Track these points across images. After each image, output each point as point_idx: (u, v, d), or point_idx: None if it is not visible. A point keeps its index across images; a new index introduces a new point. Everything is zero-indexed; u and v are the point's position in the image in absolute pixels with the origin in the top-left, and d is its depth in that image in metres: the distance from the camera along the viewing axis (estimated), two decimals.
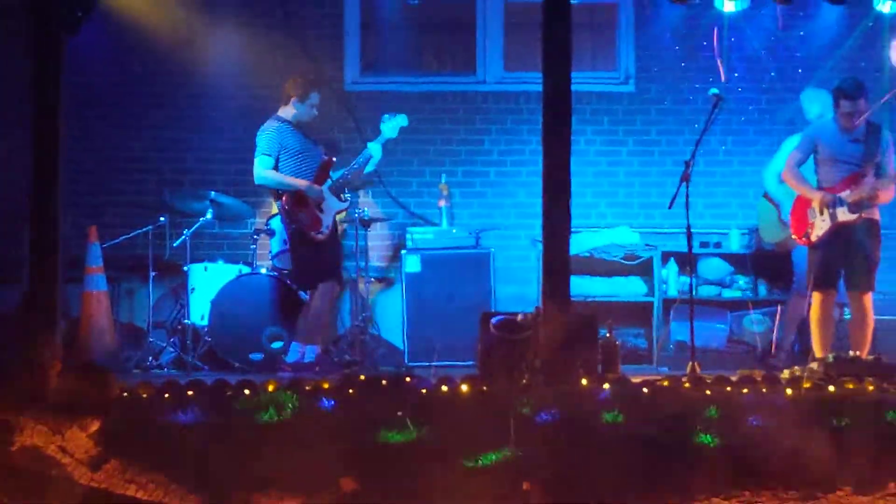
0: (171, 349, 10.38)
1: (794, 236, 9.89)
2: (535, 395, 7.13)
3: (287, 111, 9.83)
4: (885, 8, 10.61)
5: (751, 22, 11.51)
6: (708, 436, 3.84)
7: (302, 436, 5.84)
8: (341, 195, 10.00)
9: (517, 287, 10.99)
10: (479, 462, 4.38)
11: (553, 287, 8.33)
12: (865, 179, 9.44)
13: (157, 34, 11.13)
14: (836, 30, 11.72)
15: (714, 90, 9.84)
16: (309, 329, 9.76)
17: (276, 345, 10.00)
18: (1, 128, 9.81)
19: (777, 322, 11.00)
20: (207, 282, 10.43)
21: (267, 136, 9.70)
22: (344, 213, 10.21)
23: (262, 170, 9.66)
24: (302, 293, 10.00)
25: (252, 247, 10.63)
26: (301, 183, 9.70)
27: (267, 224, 10.59)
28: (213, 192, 10.55)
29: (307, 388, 8.09)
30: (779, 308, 10.90)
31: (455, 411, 7.13)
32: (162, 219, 10.48)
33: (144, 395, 7.42)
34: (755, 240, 11.27)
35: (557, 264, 8.39)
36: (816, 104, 10.58)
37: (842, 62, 11.54)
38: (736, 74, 11.49)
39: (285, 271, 10.22)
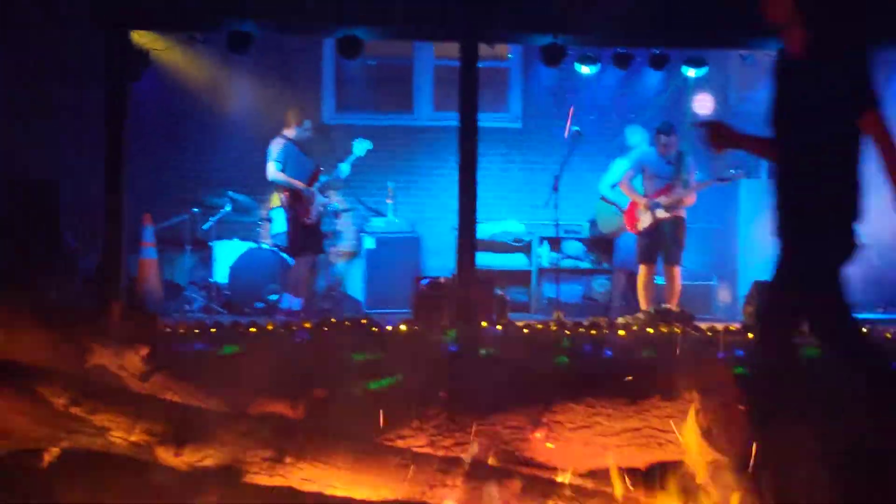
0: (200, 299, 10.33)
1: (627, 227, 10.01)
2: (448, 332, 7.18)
3: (290, 132, 9.83)
4: (690, 73, 10.74)
5: (600, 81, 11.56)
6: (564, 357, 3.88)
7: (290, 359, 5.84)
8: (324, 194, 10.02)
9: (440, 260, 10.99)
10: (397, 379, 4.36)
11: (464, 260, 8.39)
12: (675, 190, 9.57)
13: (192, 80, 11.13)
14: (657, 87, 11.80)
15: (576, 128, 9.93)
16: (295, 286, 9.78)
17: (273, 297, 10.00)
18: (83, 148, 9.81)
19: (612, 285, 11.10)
20: (226, 253, 10.41)
21: (278, 148, 9.72)
22: (325, 207, 10.18)
23: (275, 172, 9.69)
24: (291, 261, 9.98)
25: (258, 229, 10.60)
26: (299, 184, 9.70)
27: (268, 214, 10.59)
28: (230, 192, 10.54)
29: (293, 327, 8.10)
30: (618, 275, 11.00)
31: (396, 343, 7.16)
32: (195, 209, 10.46)
33: (181, 331, 7.41)
34: (596, 229, 11.37)
35: (467, 245, 8.45)
36: (636, 136, 10.77)
37: (661, 109, 11.62)
38: (592, 117, 11.52)
39: (282, 246, 10.21)
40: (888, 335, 8.22)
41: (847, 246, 4.43)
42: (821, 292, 4.33)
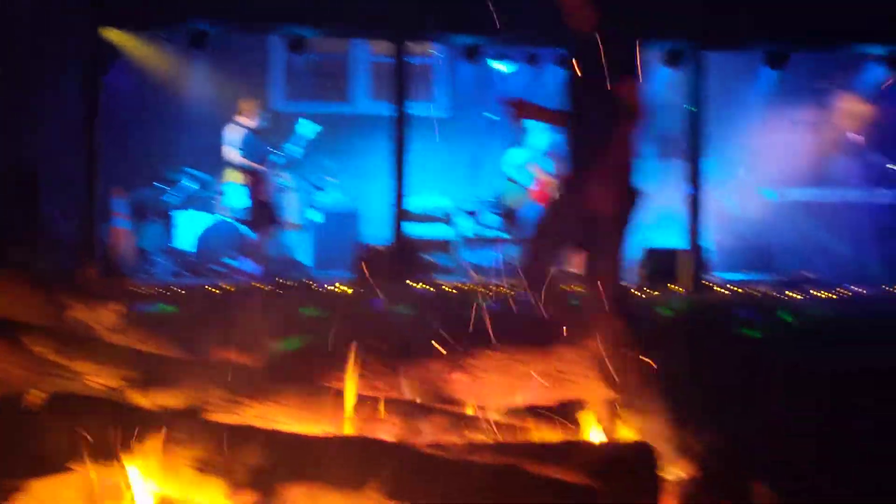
0: (165, 264, 10.20)
1: (538, 202, 10.04)
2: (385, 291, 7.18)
3: (246, 119, 9.74)
4: None
5: (516, 77, 11.58)
6: (482, 314, 3.87)
7: (250, 315, 5.79)
8: (276, 174, 9.95)
9: (377, 230, 10.95)
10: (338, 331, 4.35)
11: (398, 230, 8.40)
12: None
13: (157, 72, 10.91)
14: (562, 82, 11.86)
15: (494, 116, 9.95)
16: (253, 252, 9.75)
17: (234, 262, 9.94)
18: (61, 131, 9.60)
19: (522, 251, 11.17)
20: (187, 223, 10.29)
21: (235, 134, 9.64)
22: (277, 185, 10.10)
23: (233, 156, 9.63)
24: (251, 231, 9.92)
25: (214, 202, 10.48)
26: (256, 166, 9.64)
27: (224, 189, 10.48)
28: (190, 169, 10.42)
29: (251, 287, 8.04)
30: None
31: (339, 300, 7.15)
32: (160, 184, 10.32)
33: (149, 290, 7.30)
34: (504, 203, 11.42)
35: (400, 218, 8.46)
36: (534, 126, 10.85)
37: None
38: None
39: (240, 218, 10.13)
40: (755, 293, 8.41)
41: (626, 200, 4.39)
42: (602, 245, 4.35)
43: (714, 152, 10.31)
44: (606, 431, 3.01)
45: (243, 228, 10.05)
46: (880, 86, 10.57)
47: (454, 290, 7.48)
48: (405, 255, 8.30)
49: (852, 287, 8.87)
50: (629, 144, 4.35)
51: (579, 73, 4.52)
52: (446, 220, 11.28)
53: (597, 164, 4.27)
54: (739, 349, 5.45)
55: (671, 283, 8.68)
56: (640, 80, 4.42)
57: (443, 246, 11.22)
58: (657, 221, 10.71)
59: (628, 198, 4.41)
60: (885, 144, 10.73)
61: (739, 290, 8.39)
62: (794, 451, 3.47)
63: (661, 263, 9.00)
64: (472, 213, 11.11)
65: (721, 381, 4.20)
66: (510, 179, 11.10)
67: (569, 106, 4.63)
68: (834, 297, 8.09)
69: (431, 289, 8.12)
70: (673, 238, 9.67)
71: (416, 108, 9.90)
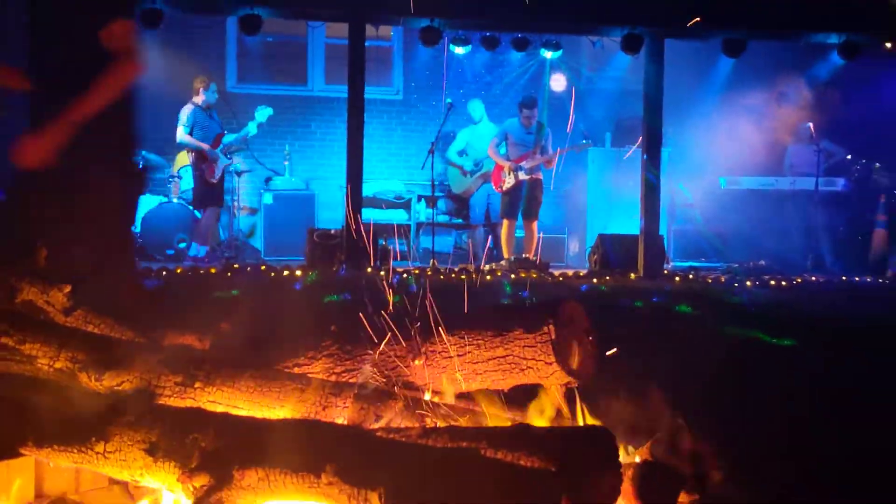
0: None
1: (493, 187, 10.07)
2: (339, 277, 7.15)
3: (198, 98, 9.64)
4: (547, 55, 10.84)
5: (472, 60, 11.59)
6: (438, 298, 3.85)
7: (197, 297, 5.75)
8: (227, 156, 9.85)
9: (331, 213, 10.94)
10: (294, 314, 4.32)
11: (353, 215, 8.36)
12: (535, 156, 9.68)
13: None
14: (519, 65, 11.90)
15: (449, 100, 9.92)
16: (201, 235, 9.66)
17: (182, 245, 9.82)
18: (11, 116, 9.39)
19: (474, 237, 11.19)
20: (139, 206, 10.07)
21: (186, 114, 9.53)
22: (228, 167, 9.99)
23: (182, 135, 9.52)
24: (198, 214, 9.81)
25: (169, 185, 10.33)
26: (204, 146, 9.55)
27: (177, 173, 10.34)
28: (143, 151, 10.23)
29: (200, 271, 7.95)
30: (479, 229, 11.08)
31: (292, 285, 7.10)
32: None
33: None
34: (450, 190, 11.45)
35: (355, 201, 8.42)
36: (477, 110, 10.91)
37: (523, 86, 11.75)
38: (463, 91, 11.55)
39: (189, 201, 10.01)
40: (709, 279, 8.50)
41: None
42: None
43: (671, 140, 10.40)
44: (564, 416, 3.03)
45: (191, 210, 9.95)
46: (834, 74, 10.73)
47: (412, 275, 7.47)
48: (361, 240, 8.27)
49: (804, 276, 9.02)
50: (108, 96, 3.70)
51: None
52: (403, 204, 11.28)
53: (60, 114, 3.49)
54: (696, 335, 5.52)
55: (625, 270, 8.76)
56: (133, 23, 3.78)
57: (400, 231, 11.22)
58: (612, 208, 10.80)
59: (119, 170, 3.77)
60: (837, 133, 10.90)
61: (691, 277, 8.49)
62: (747, 433, 3.55)
63: (614, 250, 9.08)
64: (428, 199, 11.12)
65: (679, 365, 4.26)
66: (452, 164, 11.15)
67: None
68: (784, 284, 8.22)
69: (389, 274, 8.11)
70: (628, 225, 9.76)
71: (372, 91, 9.88)
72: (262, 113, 10.01)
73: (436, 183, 10.05)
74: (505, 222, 9.88)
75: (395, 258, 9.82)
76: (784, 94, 11.10)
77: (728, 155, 10.84)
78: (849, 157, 10.77)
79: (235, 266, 8.35)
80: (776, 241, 10.24)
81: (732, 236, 10.62)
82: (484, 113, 10.96)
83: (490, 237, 10.80)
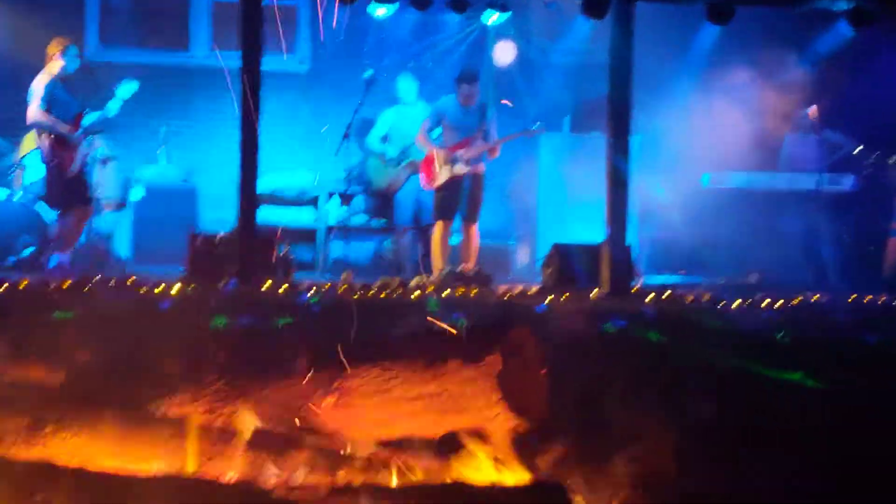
0: None
1: (423, 182, 10.09)
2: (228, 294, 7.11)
3: (54, 66, 9.46)
4: (492, 19, 10.88)
5: (398, 23, 11.60)
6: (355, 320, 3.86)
7: (47, 319, 5.67)
8: (88, 140, 9.73)
9: (221, 213, 10.83)
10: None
11: (246, 215, 8.31)
12: (476, 143, 9.72)
13: None
14: (457, 31, 11.94)
15: (369, 72, 9.93)
16: (61, 241, 9.54)
17: (28, 251, 9.69)
18: None
19: (397, 244, 11.17)
20: None
21: (42, 86, 9.34)
22: (89, 154, 9.86)
23: (38, 113, 9.32)
24: (50, 212, 9.69)
25: (10, 177, 10.18)
26: (64, 128, 9.40)
27: (21, 161, 10.18)
28: None
29: (51, 286, 7.83)
30: (406, 234, 11.08)
31: (168, 303, 7.03)
32: None
33: None
34: (370, 185, 11.42)
35: (250, 198, 8.38)
36: (407, 87, 10.94)
37: (461, 57, 11.79)
38: (386, 61, 11.55)
39: (37, 196, 9.86)
40: (688, 298, 8.59)
41: None
42: None
43: (642, 126, 10.51)
44: (508, 467, 3.04)
45: (42, 208, 9.79)
46: (840, 48, 10.89)
47: (321, 292, 7.44)
48: (257, 247, 8.21)
49: (804, 294, 9.15)
50: None
51: None
52: (310, 202, 11.22)
53: None
54: (663, 366, 5.59)
55: (585, 286, 8.80)
56: None
57: (305, 236, 11.15)
58: (569, 210, 10.89)
59: None
60: (844, 121, 11.04)
61: (666, 296, 8.56)
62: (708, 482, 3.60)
63: (572, 262, 9.11)
64: (342, 196, 11.09)
65: (638, 401, 4.31)
66: (373, 153, 11.15)
67: None
68: (779, 304, 8.32)
69: (291, 291, 8.06)
70: (589, 231, 9.82)
71: (272, 61, 9.80)
72: (126, 88, 9.86)
73: (352, 176, 10.05)
74: (438, 225, 9.90)
75: (299, 270, 9.77)
76: (787, 71, 11.21)
77: (711, 145, 10.94)
78: (859, 149, 10.91)
79: (95, 278, 8.23)
80: (770, 252, 10.38)
81: (716, 245, 10.75)
82: (416, 92, 10.96)
83: (420, 244, 10.80)
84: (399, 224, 11.04)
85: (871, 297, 9.09)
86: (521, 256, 11.49)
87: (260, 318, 6.60)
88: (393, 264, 11.09)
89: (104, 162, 10.54)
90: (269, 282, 7.81)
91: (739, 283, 9.62)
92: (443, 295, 7.90)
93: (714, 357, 5.69)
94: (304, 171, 11.52)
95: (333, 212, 11.29)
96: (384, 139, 11.13)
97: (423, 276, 9.47)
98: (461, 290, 8.28)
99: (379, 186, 11.27)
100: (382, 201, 11.44)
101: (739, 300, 8.37)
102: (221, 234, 8.92)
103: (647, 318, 6.96)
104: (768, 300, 8.48)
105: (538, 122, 10.08)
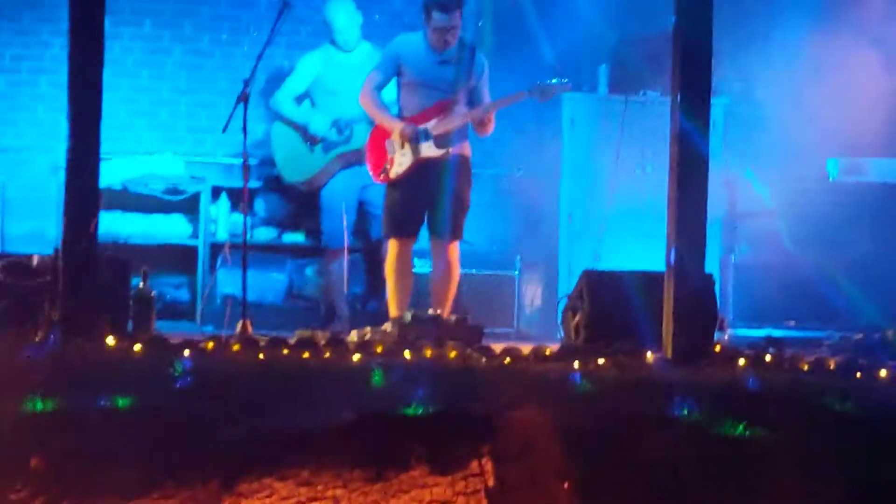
0: None
1: (372, 174, 10.02)
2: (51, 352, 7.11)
3: None
4: None
5: None
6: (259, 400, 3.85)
7: None
8: None
9: (33, 223, 10.89)
10: None
11: (77, 225, 8.29)
12: (455, 108, 9.60)
13: None
14: None
15: None
16: None
17: None
18: None
19: (325, 272, 11.15)
20: None
21: None
22: None
23: None
24: None
25: None
26: None
27: None
28: None
29: None
30: (341, 257, 11.03)
31: None
32: None
33: None
34: (277, 175, 11.36)
35: (83, 197, 8.36)
36: (343, 15, 10.83)
37: None
38: None
39: None
40: (804, 364, 8.63)
41: None
42: None
43: (728, 86, 10.58)
44: None
45: None
46: None
47: (198, 354, 7.47)
48: (95, 278, 8.23)
49: None
50: None
51: None
52: (184, 203, 11.24)
53: None
54: (768, 478, 5.63)
55: (636, 344, 8.84)
56: None
57: (177, 258, 11.17)
58: (609, 219, 10.94)
59: None
60: None
61: (771, 361, 8.59)
62: None
63: (614, 303, 9.13)
64: (236, 193, 11.11)
65: None
66: (286, 121, 11.14)
67: None
68: None
69: (152, 349, 8.08)
70: (642, 253, 9.88)
71: None
72: None
73: (253, 163, 10.05)
74: (393, 243, 9.87)
75: (167, 316, 9.79)
76: None
77: (840, 118, 11.04)
78: None
79: None
80: None
81: (849, 276, 10.82)
82: (359, 27, 10.92)
83: (363, 273, 10.84)
84: (328, 242, 11.02)
85: None
86: (531, 294, 11.54)
87: (95, 398, 6.59)
88: (319, 306, 11.10)
89: None
90: (112, 337, 7.82)
91: (887, 337, 9.66)
92: (401, 358, 7.92)
93: (852, 465, 5.72)
94: (173, 155, 11.53)
95: (223, 220, 11.30)
96: (301, 99, 11.10)
97: (369, 327, 9.47)
98: (430, 351, 8.29)
99: (294, 179, 11.27)
100: (301, 204, 11.46)
101: (887, 369, 8.42)
102: (38, 257, 8.95)
103: (737, 399, 6.98)
104: None
105: (558, 77, 10.08)
